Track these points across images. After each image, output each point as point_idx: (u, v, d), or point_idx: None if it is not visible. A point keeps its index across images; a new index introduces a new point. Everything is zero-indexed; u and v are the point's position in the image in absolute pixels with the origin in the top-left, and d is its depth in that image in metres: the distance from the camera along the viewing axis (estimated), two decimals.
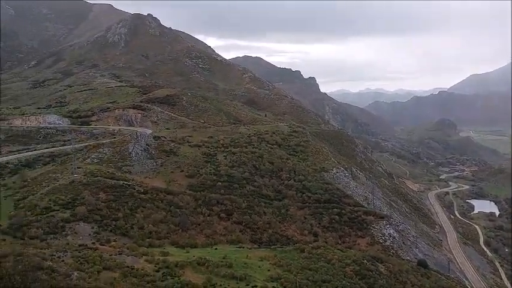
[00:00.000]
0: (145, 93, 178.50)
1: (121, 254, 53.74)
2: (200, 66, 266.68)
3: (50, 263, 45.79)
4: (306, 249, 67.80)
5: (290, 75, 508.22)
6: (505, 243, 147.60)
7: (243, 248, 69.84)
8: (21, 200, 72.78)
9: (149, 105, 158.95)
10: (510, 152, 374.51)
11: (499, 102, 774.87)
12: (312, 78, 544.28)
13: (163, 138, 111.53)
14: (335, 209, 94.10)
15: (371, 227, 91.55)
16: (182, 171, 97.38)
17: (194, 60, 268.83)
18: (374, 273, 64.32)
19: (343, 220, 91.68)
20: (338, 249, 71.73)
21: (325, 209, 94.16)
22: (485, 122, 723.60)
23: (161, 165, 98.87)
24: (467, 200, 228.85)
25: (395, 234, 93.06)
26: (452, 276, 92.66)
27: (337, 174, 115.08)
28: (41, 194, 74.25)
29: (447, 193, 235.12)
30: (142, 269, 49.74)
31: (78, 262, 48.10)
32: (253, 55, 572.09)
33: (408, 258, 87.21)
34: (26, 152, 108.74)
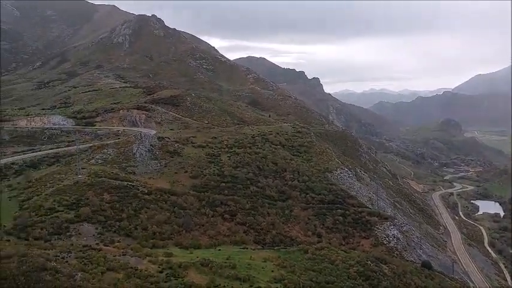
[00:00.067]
0: (149, 94, 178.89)
1: (125, 254, 53.80)
2: (204, 66, 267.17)
3: (54, 263, 45.94)
4: (309, 250, 67.69)
5: (294, 76, 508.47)
6: (509, 244, 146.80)
7: (247, 249, 69.80)
8: (26, 201, 73.04)
9: (153, 106, 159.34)
10: (510, 152, 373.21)
11: (504, 102, 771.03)
12: (316, 79, 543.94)
13: (167, 139, 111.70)
14: (339, 210, 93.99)
15: (375, 228, 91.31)
16: (186, 171, 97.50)
17: (198, 61, 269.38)
18: (378, 274, 64.14)
19: (347, 221, 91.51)
20: (342, 250, 71.57)
21: (329, 209, 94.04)
22: (490, 122, 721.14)
23: (165, 166, 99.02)
24: (471, 201, 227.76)
25: (399, 235, 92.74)
26: (456, 277, 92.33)
27: (341, 174, 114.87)
28: (46, 194, 74.50)
29: (451, 194, 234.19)
30: (146, 270, 49.81)
31: (82, 263, 48.21)
32: (257, 56, 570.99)
33: (412, 259, 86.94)
34: (31, 152, 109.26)
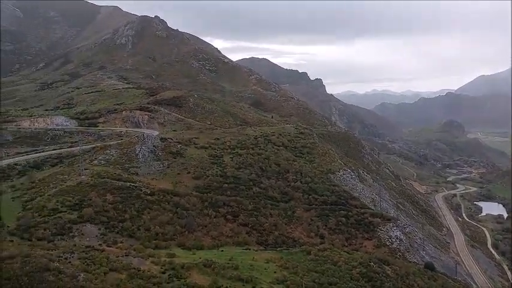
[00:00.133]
0: (152, 95, 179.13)
1: (127, 255, 53.86)
2: (207, 68, 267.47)
3: (57, 264, 46.04)
4: (312, 252, 67.59)
5: (296, 77, 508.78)
6: None
7: (249, 249, 69.76)
8: (29, 201, 73.18)
9: (156, 107, 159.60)
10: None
11: (507, 103, 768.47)
12: (319, 80, 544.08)
13: (170, 140, 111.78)
14: (342, 211, 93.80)
15: (378, 229, 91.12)
16: (189, 172, 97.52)
17: (201, 62, 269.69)
18: (381, 275, 64.01)
19: (349, 222, 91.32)
20: (344, 252, 71.45)
21: (332, 211, 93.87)
22: (493, 123, 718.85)
23: (168, 167, 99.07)
24: (475, 202, 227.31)
25: (402, 236, 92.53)
26: (459, 279, 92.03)
27: (344, 176, 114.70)
28: (49, 195, 74.66)
29: (455, 195, 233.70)
30: (148, 271, 49.85)
31: (85, 263, 48.31)
32: (260, 56, 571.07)
33: (415, 260, 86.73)
34: (34, 153, 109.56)
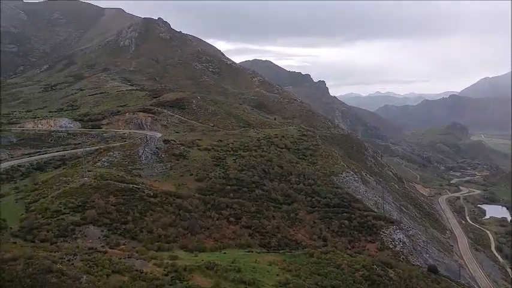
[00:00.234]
0: (155, 97, 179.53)
1: (130, 257, 53.86)
2: (210, 70, 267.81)
3: (60, 266, 46.07)
4: (315, 254, 67.40)
5: (299, 79, 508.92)
6: None
7: (252, 252, 69.63)
8: (32, 203, 73.32)
9: (159, 109, 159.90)
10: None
11: (511, 105, 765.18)
12: (322, 82, 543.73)
13: (173, 142, 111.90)
14: (344, 214, 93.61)
15: (381, 232, 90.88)
16: (191, 174, 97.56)
17: (204, 64, 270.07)
18: (384, 278, 63.80)
19: (352, 225, 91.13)
20: (347, 254, 71.20)
21: (335, 213, 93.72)
22: (497, 125, 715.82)
23: (171, 169, 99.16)
24: (478, 205, 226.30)
25: (405, 239, 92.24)
26: (463, 282, 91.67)
27: (347, 178, 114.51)
28: (52, 197, 74.78)
29: (458, 198, 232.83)
30: (151, 273, 49.81)
31: (88, 265, 48.31)
32: (263, 59, 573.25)
33: (418, 263, 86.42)
34: (37, 155, 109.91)
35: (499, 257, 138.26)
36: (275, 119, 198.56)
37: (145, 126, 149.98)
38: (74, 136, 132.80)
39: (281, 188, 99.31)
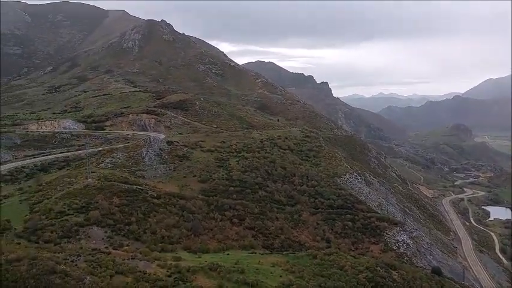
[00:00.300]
0: (158, 99, 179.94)
1: (133, 258, 53.94)
2: (213, 71, 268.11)
3: (64, 267, 46.17)
4: (318, 256, 67.23)
5: (303, 80, 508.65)
6: None
7: (255, 253, 69.57)
8: (36, 204, 73.56)
9: (162, 110, 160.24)
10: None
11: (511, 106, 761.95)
12: (325, 83, 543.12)
13: (176, 143, 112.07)
14: (348, 215, 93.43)
15: (384, 234, 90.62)
16: (195, 176, 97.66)
17: (207, 66, 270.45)
18: (387, 280, 63.54)
19: (356, 226, 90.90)
20: (351, 256, 71.01)
21: (338, 214, 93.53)
22: (501, 127, 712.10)
23: (174, 170, 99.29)
24: (482, 207, 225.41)
25: (409, 241, 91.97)
26: (467, 284, 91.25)
27: (350, 179, 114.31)
28: (56, 198, 74.99)
29: (462, 199, 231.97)
30: (154, 274, 49.83)
31: (91, 266, 48.40)
32: (266, 60, 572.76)
33: (422, 265, 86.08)
34: (41, 156, 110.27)
35: (503, 259, 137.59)
36: (278, 120, 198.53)
37: (148, 127, 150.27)
38: (78, 137, 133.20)
39: (284, 189, 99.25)
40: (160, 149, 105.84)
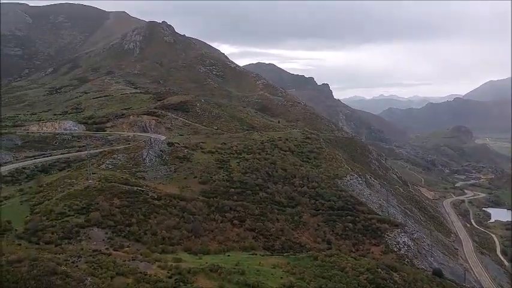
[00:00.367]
0: (159, 100, 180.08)
1: (134, 259, 53.94)
2: (214, 73, 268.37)
3: (64, 268, 46.18)
4: (319, 257, 67.18)
5: (303, 82, 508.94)
6: None
7: (256, 255, 69.55)
8: (37, 205, 73.56)
9: (163, 112, 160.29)
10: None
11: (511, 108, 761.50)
12: (325, 85, 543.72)
13: (176, 145, 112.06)
14: (349, 217, 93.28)
15: (385, 235, 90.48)
16: (195, 177, 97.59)
17: (208, 67, 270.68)
18: (388, 282, 63.48)
19: (357, 228, 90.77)
20: (352, 257, 70.94)
21: (339, 216, 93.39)
22: (502, 129, 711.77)
23: (174, 171, 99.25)
24: (483, 208, 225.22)
25: (410, 242, 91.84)
26: (468, 286, 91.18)
27: (351, 181, 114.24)
28: (56, 199, 75.02)
29: (463, 201, 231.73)
30: (155, 275, 49.83)
31: (92, 267, 48.42)
32: (267, 62, 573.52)
33: (423, 267, 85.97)
34: (42, 157, 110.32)
35: (504, 260, 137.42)
36: (279, 122, 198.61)
37: (149, 129, 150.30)
38: (79, 139, 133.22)
39: (285, 190, 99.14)
40: (161, 151, 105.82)
